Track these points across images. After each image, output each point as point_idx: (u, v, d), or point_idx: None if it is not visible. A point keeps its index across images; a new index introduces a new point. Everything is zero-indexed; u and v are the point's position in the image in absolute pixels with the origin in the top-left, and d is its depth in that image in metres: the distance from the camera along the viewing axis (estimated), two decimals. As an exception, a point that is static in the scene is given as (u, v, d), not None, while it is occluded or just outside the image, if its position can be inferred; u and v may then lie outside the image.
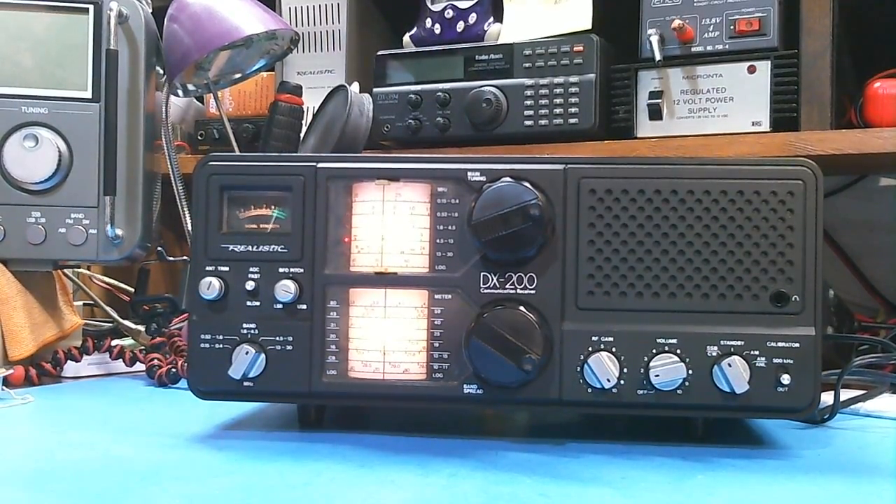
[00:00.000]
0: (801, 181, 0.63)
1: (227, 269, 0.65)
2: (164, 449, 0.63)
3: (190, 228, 0.95)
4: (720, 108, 1.02)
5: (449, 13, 1.15)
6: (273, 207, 0.66)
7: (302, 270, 0.65)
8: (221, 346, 0.65)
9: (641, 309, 0.63)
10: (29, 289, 0.95)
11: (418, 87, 1.13)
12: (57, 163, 0.92)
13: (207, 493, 0.52)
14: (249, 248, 0.65)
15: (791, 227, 0.62)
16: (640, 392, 0.62)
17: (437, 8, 1.16)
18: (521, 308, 0.62)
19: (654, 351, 0.62)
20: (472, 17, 1.14)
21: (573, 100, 1.05)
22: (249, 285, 0.65)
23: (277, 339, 0.65)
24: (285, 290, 0.64)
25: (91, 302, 1.23)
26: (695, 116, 1.03)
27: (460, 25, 1.15)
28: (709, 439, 0.66)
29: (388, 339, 0.64)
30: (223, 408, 0.75)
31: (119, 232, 0.94)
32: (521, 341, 0.61)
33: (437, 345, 0.64)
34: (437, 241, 0.64)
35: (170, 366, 0.93)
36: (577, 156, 0.65)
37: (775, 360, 0.62)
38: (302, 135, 1.07)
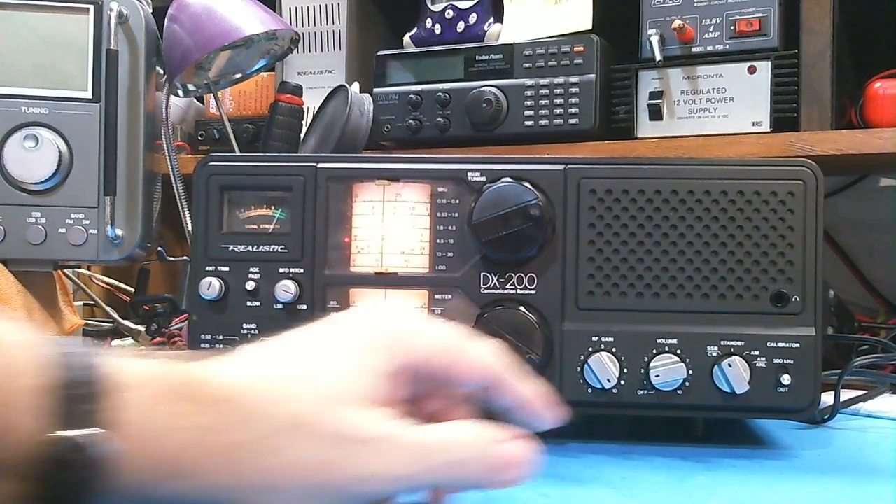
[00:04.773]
0: (801, 181, 0.63)
1: (227, 269, 0.65)
2: (164, 449, 0.62)
3: (190, 228, 0.95)
4: (720, 109, 1.02)
5: (449, 13, 1.15)
6: (273, 207, 0.66)
7: (302, 270, 0.65)
8: (222, 346, 0.65)
9: (642, 309, 0.63)
10: (29, 289, 0.95)
11: (418, 88, 1.13)
12: (57, 163, 0.92)
13: (207, 493, 0.51)
14: (249, 248, 0.65)
15: (791, 227, 0.62)
16: (640, 392, 0.62)
17: (437, 8, 1.16)
18: (522, 308, 0.62)
19: (654, 351, 0.62)
20: (473, 18, 1.14)
21: (573, 100, 1.05)
22: (249, 285, 0.65)
23: (277, 339, 0.65)
24: (285, 290, 0.64)
25: (91, 302, 1.23)
26: (695, 116, 1.03)
27: (460, 25, 1.14)
28: (709, 439, 0.66)
29: (388, 339, 0.64)
30: (223, 408, 0.75)
31: (119, 232, 0.93)
32: (522, 341, 0.61)
33: (437, 345, 0.64)
34: (437, 241, 0.64)
35: (170, 366, 0.93)
36: (578, 156, 0.65)
37: (775, 361, 0.62)
38: (302, 135, 1.07)
